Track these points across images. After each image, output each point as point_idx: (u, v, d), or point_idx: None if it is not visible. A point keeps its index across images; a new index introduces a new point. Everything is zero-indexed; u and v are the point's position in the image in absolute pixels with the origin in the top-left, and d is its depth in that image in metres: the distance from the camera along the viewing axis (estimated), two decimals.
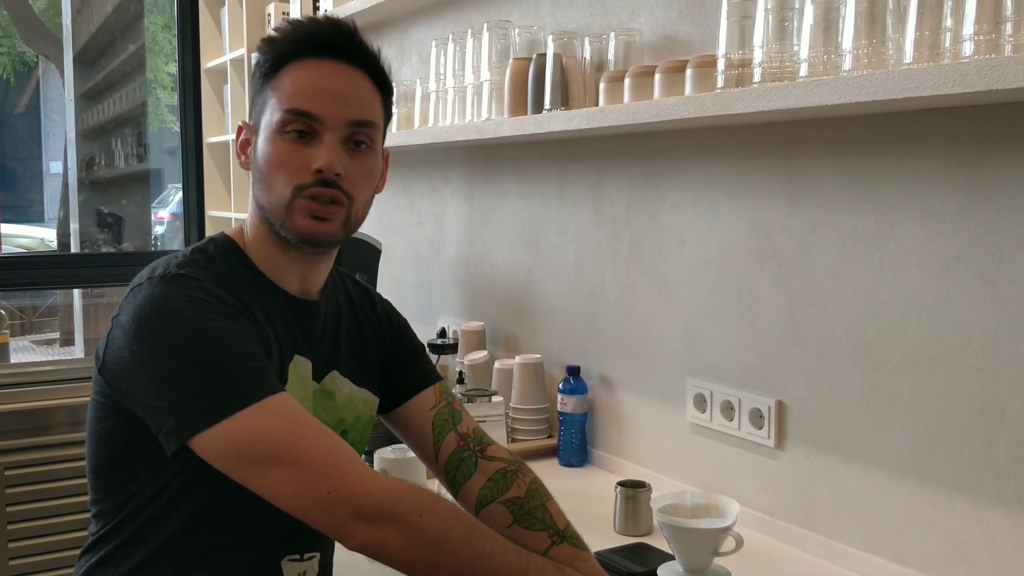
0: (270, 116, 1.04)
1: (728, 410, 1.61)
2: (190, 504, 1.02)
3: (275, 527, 1.05)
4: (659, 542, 1.44)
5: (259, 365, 0.97)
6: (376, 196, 1.13)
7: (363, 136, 1.06)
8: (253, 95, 1.09)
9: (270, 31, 1.11)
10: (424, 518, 0.92)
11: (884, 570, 1.36)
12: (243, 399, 0.92)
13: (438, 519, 0.93)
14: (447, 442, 1.19)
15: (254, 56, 1.15)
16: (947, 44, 1.06)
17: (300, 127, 1.02)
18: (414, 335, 1.28)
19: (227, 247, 1.09)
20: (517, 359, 2.01)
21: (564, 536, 1.13)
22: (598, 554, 1.40)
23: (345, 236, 1.08)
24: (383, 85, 1.09)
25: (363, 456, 1.23)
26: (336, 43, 1.06)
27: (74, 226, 5.89)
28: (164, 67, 5.96)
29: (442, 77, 2.07)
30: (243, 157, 1.10)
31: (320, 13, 2.65)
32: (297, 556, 1.09)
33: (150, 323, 0.96)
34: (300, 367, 1.09)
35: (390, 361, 1.23)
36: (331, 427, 1.12)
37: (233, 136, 3.12)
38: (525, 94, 1.74)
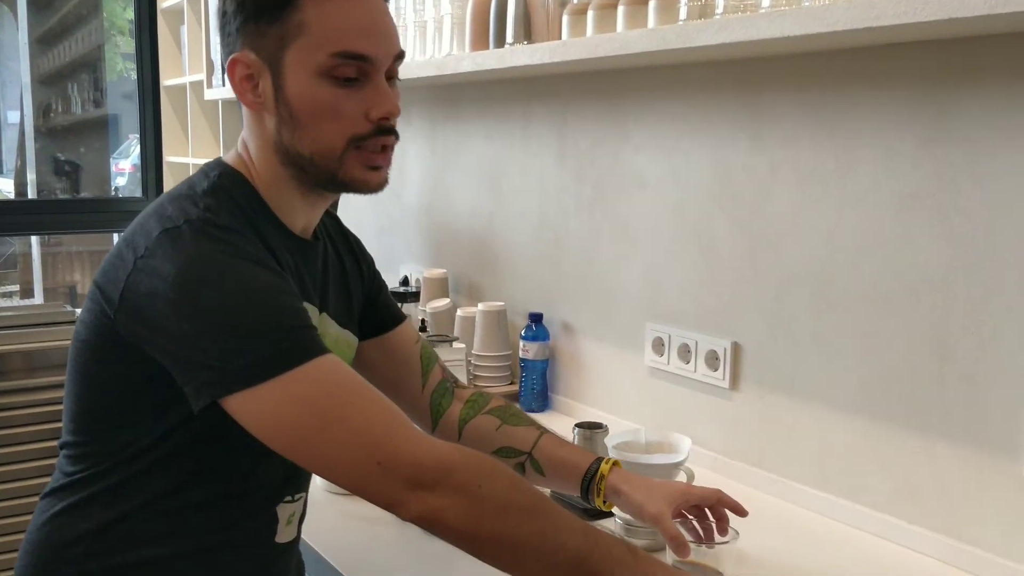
0: (305, 56, 0.95)
1: (685, 353, 1.61)
2: (195, 456, 0.98)
3: (276, 476, 1.04)
4: None
5: (305, 324, 0.91)
6: None
7: (397, 69, 1.01)
8: (252, 24, 0.97)
9: None
10: (484, 488, 0.86)
11: (834, 506, 1.38)
12: (288, 362, 0.87)
13: (499, 489, 0.87)
14: (434, 373, 1.23)
15: None
16: None
17: (352, 73, 0.95)
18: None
19: (242, 185, 1.01)
20: (480, 306, 2.00)
21: (548, 430, 1.20)
22: (555, 494, 1.40)
23: None
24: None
25: None
26: None
27: (31, 176, 5.75)
28: (122, 12, 5.79)
29: (402, 11, 2.02)
30: (249, 95, 0.99)
31: None
32: (290, 498, 1.08)
33: (197, 274, 0.89)
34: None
35: (367, 297, 1.22)
36: None
37: (191, 79, 3.04)
38: (487, 28, 1.70)
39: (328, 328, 1.11)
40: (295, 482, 1.08)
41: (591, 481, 1.14)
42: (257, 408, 0.87)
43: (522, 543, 0.85)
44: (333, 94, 0.96)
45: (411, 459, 0.86)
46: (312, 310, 1.06)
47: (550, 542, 0.85)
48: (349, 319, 1.17)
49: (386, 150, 1.00)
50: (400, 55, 1.01)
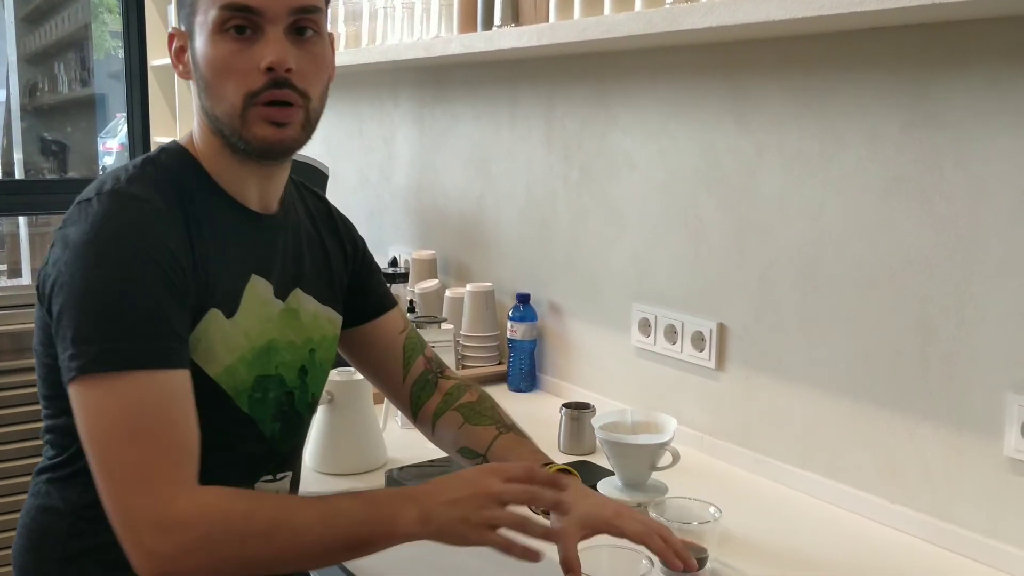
0: (204, 16, 0.96)
1: (671, 334, 1.63)
2: None
3: (251, 452, 1.04)
4: (602, 460, 1.46)
5: (164, 332, 0.90)
6: (322, 119, 1.05)
7: (308, 23, 0.98)
8: None
9: None
10: (216, 535, 0.85)
11: (818, 485, 1.40)
12: (119, 362, 0.86)
13: (234, 534, 0.86)
14: (416, 365, 1.22)
15: None
16: None
17: (239, 22, 0.95)
18: (371, 253, 1.26)
19: (182, 158, 1.02)
20: (468, 287, 2.00)
21: (510, 428, 1.18)
22: None
23: (307, 138, 1.01)
24: None
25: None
26: None
27: (18, 155, 5.70)
28: None
29: None
30: (180, 67, 1.02)
31: None
32: (270, 477, 1.08)
33: (84, 246, 0.90)
34: (259, 288, 1.04)
35: (353, 280, 1.20)
36: (299, 346, 1.09)
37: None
38: (475, 10, 1.69)
39: (305, 304, 1.10)
40: (276, 460, 1.07)
41: None
42: (78, 398, 0.88)
43: (270, 562, 0.87)
44: (228, 50, 0.95)
45: (148, 516, 0.84)
46: (263, 283, 1.05)
47: (293, 550, 0.87)
48: (331, 297, 1.15)
49: (292, 108, 0.97)
50: (307, 8, 0.97)
